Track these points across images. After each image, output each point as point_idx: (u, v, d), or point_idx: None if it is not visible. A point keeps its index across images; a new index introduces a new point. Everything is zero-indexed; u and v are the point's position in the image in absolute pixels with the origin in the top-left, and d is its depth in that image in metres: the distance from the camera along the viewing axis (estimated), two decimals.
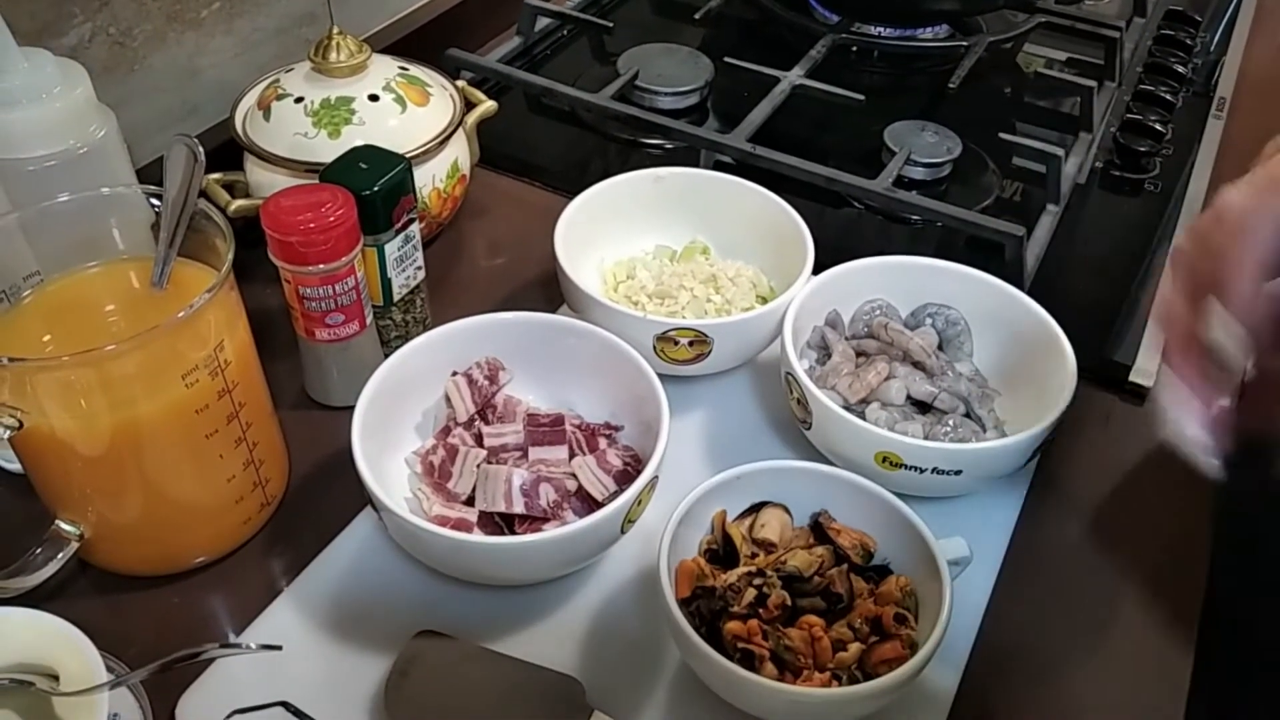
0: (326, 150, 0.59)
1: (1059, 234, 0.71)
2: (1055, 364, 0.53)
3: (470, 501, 0.50)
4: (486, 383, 0.53)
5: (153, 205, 0.47)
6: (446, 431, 0.53)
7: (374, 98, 0.62)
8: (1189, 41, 0.92)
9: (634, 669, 0.46)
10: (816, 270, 0.57)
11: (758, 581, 0.44)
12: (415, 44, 0.80)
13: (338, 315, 0.53)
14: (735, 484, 0.47)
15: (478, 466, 0.50)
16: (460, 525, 0.48)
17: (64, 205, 0.46)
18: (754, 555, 0.47)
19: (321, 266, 0.50)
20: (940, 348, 0.58)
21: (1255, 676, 0.58)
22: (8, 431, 0.41)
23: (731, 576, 0.44)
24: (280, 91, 0.62)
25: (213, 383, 0.44)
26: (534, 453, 0.52)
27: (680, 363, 0.56)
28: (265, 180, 0.61)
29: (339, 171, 0.53)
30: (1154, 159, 0.80)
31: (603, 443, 0.52)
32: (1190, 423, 0.42)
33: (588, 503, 0.50)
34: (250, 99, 0.64)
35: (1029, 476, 0.55)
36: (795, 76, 0.82)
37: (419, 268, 0.58)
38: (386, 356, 0.51)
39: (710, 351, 0.55)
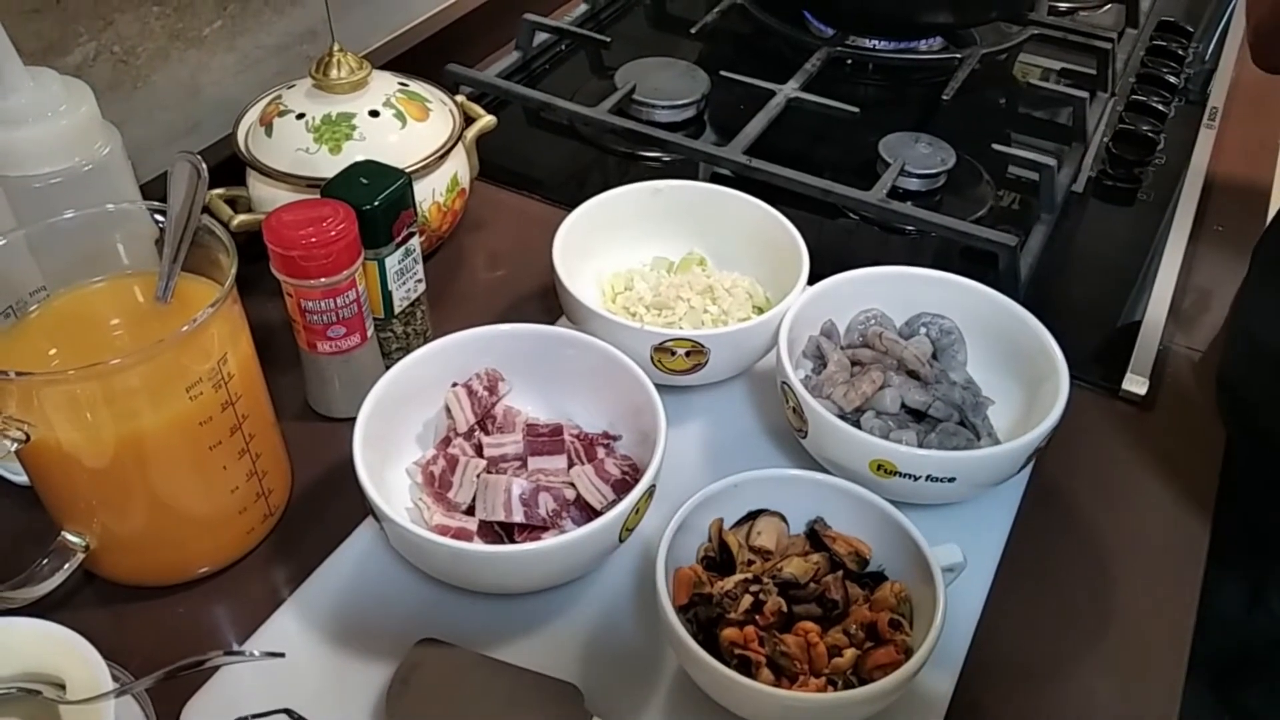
0: (328, 165, 0.60)
1: (1053, 244, 0.72)
2: (1048, 372, 0.53)
3: (470, 511, 0.50)
4: (486, 394, 0.54)
5: (157, 221, 0.47)
6: (447, 442, 0.53)
7: (374, 113, 0.63)
8: (1181, 52, 0.93)
9: (632, 676, 0.46)
10: (812, 281, 0.58)
11: (754, 588, 0.44)
12: (415, 60, 0.81)
13: (339, 328, 0.53)
14: (732, 492, 0.48)
15: (478, 476, 0.51)
16: (460, 534, 0.49)
17: (69, 221, 0.47)
18: (750, 562, 0.47)
19: (323, 280, 0.51)
20: (934, 357, 0.58)
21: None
22: (15, 445, 0.41)
23: (728, 584, 0.45)
24: (282, 108, 0.63)
25: (216, 395, 0.45)
26: (533, 462, 0.52)
27: (677, 373, 0.56)
28: (267, 195, 0.62)
29: (340, 186, 0.54)
30: (1147, 168, 0.80)
31: (601, 452, 0.53)
32: None
33: (586, 512, 0.50)
34: (252, 115, 0.65)
35: (1023, 484, 0.55)
36: (791, 89, 0.83)
37: (419, 280, 0.58)
38: (387, 368, 0.52)
39: (707, 362, 0.56)
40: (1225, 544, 0.54)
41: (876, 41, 0.91)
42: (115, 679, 0.39)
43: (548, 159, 0.81)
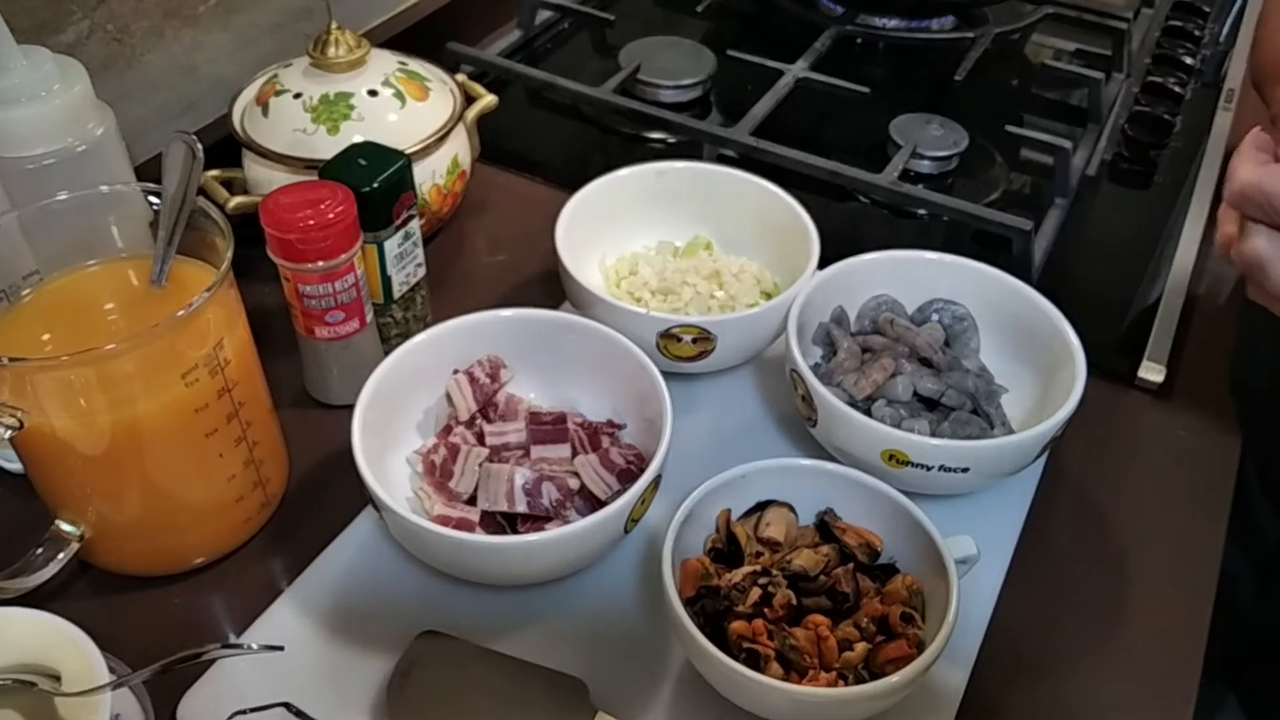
0: (325, 146, 0.59)
1: (1067, 227, 0.71)
2: (1063, 359, 0.52)
3: (472, 501, 0.49)
4: (488, 381, 0.53)
5: (151, 203, 0.46)
6: (448, 430, 0.52)
7: (373, 93, 0.62)
8: (1197, 33, 0.92)
9: (638, 669, 0.45)
10: (821, 265, 0.57)
11: (763, 581, 0.44)
12: (414, 38, 0.80)
13: (338, 313, 0.53)
14: (740, 482, 0.47)
15: (479, 465, 0.50)
16: (462, 525, 0.48)
17: (63, 204, 0.46)
18: (759, 554, 0.46)
19: (321, 264, 0.50)
20: (947, 344, 0.57)
21: None
22: (8, 432, 0.41)
23: (736, 576, 0.44)
24: (279, 87, 0.62)
25: (212, 381, 0.44)
26: (536, 451, 0.51)
27: (684, 360, 0.55)
28: (264, 177, 0.61)
29: (338, 168, 0.53)
30: (1162, 151, 0.79)
31: (605, 441, 0.52)
32: None
33: (591, 502, 0.49)
34: (248, 95, 0.64)
35: (1037, 473, 0.54)
36: (799, 69, 0.82)
37: (419, 265, 0.58)
38: (387, 354, 0.51)
39: (714, 348, 0.55)
40: (1230, 534, 0.53)
41: (887, 20, 0.90)
42: (111, 670, 0.39)
43: (550, 140, 0.80)
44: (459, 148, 0.65)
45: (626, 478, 0.49)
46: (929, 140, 0.74)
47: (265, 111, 0.61)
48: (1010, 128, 0.75)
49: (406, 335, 0.56)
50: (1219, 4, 0.98)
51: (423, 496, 0.50)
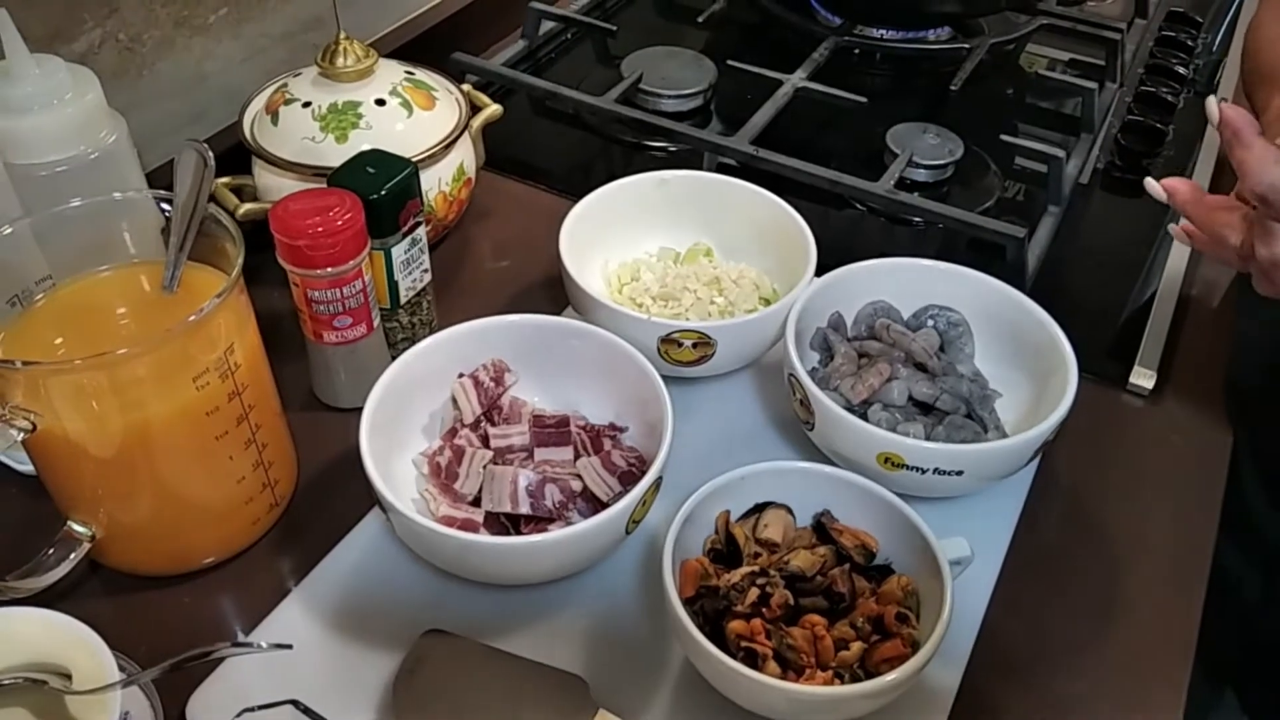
0: (334, 154, 0.60)
1: (1060, 235, 0.72)
2: (1056, 365, 0.53)
3: (477, 502, 0.50)
4: (492, 384, 0.54)
5: (163, 209, 0.47)
6: (453, 433, 0.53)
7: (381, 102, 0.62)
8: (1190, 43, 0.93)
9: (639, 668, 0.46)
10: (819, 272, 0.58)
11: (761, 581, 0.44)
12: (421, 48, 0.81)
13: (345, 318, 0.53)
14: (738, 484, 0.48)
15: (484, 467, 0.51)
16: (467, 526, 0.49)
17: (75, 210, 0.46)
18: (757, 555, 0.47)
19: (329, 270, 0.51)
20: (942, 349, 0.58)
21: None
22: (21, 434, 0.41)
23: (735, 576, 0.45)
24: (288, 96, 0.63)
25: (223, 385, 0.45)
26: (540, 454, 0.52)
27: (684, 364, 0.56)
28: (273, 184, 0.62)
29: (346, 175, 0.54)
30: (1155, 160, 0.80)
31: (607, 444, 0.53)
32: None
33: (593, 503, 0.50)
34: (258, 104, 0.65)
35: (1030, 477, 0.55)
36: (798, 79, 0.82)
37: (425, 270, 0.58)
38: (393, 359, 0.52)
39: (714, 353, 0.56)
40: (1234, 537, 0.54)
41: (884, 31, 0.91)
42: (121, 669, 0.39)
43: (554, 148, 0.80)
44: (465, 156, 0.66)
45: (628, 480, 0.50)
46: (925, 149, 0.75)
47: (275, 120, 0.62)
48: (1005, 136, 0.76)
49: (413, 340, 0.57)
50: (1211, 14, 1.00)
51: (428, 498, 0.51)
